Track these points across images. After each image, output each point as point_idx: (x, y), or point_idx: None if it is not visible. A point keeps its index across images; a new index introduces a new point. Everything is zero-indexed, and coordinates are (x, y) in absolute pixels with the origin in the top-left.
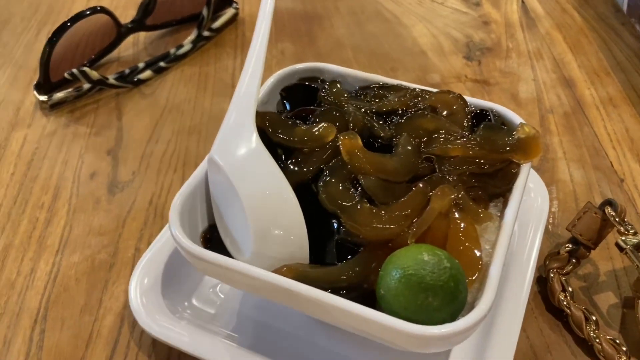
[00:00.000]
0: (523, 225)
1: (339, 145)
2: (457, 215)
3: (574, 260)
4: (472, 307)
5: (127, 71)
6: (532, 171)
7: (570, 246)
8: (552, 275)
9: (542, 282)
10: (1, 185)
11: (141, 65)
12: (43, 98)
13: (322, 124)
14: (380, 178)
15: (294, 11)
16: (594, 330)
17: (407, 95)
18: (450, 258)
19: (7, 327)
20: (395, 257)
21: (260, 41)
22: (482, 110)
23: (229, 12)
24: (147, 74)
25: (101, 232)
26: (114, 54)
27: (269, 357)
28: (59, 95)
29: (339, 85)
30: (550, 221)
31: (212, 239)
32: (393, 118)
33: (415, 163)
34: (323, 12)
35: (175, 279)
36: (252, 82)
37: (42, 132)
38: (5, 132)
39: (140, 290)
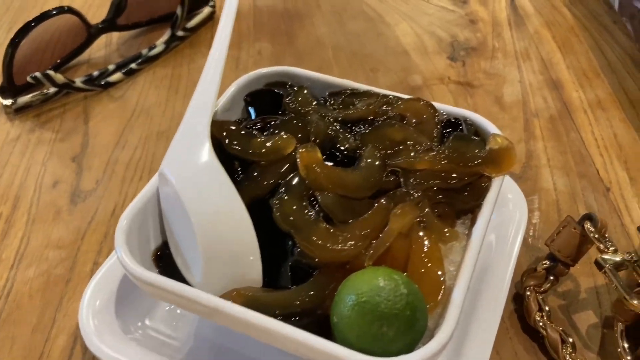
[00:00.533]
0: (500, 238)
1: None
2: (420, 234)
3: (551, 278)
4: (432, 335)
5: (96, 74)
6: (512, 181)
7: (548, 263)
8: (528, 293)
9: (518, 300)
10: None
11: (111, 67)
12: (7, 102)
13: (281, 135)
14: (340, 194)
15: (274, 9)
16: (570, 354)
17: (376, 103)
18: (408, 283)
19: None
20: (350, 281)
21: (220, 45)
22: (454, 118)
23: (205, 11)
24: (117, 76)
25: (59, 245)
26: (85, 55)
27: None
28: (24, 99)
29: (305, 92)
30: (531, 233)
31: (165, 257)
32: (360, 127)
33: (380, 177)
34: (304, 10)
35: (129, 297)
36: (209, 90)
37: (5, 138)
38: None
39: (92, 311)
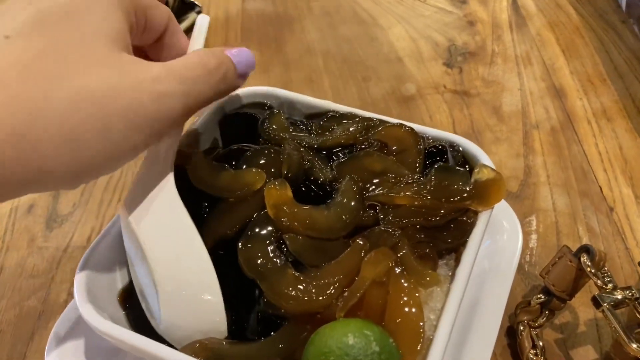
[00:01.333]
0: (494, 267)
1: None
2: (397, 279)
3: (547, 312)
4: None
5: None
6: (506, 205)
7: (543, 297)
8: (521, 328)
9: (512, 334)
10: None
11: None
12: None
13: (250, 169)
14: (311, 236)
15: (263, 13)
16: None
17: (356, 128)
18: (381, 339)
19: None
20: (318, 337)
21: None
22: (439, 145)
23: (190, 17)
24: None
25: (33, 274)
26: None
27: None
28: None
29: (281, 117)
30: (527, 259)
31: (133, 297)
32: (338, 155)
33: (356, 215)
34: (294, 14)
35: (98, 338)
36: None
37: None
38: None
39: (58, 353)
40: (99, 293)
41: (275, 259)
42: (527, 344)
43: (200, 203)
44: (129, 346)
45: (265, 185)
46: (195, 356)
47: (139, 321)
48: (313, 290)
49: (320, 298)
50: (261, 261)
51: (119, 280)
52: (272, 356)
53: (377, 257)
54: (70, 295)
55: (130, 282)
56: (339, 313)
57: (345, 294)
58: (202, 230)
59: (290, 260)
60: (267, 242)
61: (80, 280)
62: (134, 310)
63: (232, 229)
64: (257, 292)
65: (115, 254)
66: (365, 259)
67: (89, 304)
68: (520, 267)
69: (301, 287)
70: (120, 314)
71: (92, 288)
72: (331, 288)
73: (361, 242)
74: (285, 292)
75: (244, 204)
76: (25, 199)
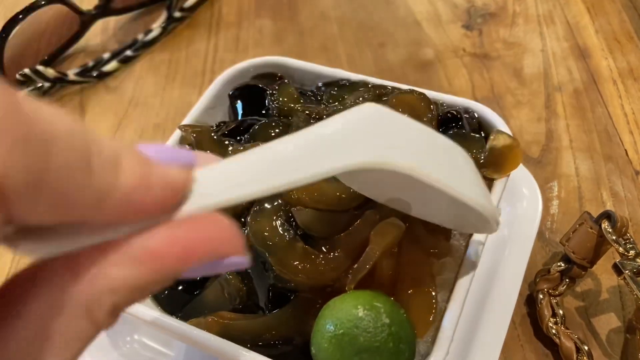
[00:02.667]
0: (513, 234)
1: None
2: (407, 249)
3: (567, 280)
4: None
5: (91, 64)
6: (526, 171)
7: (563, 265)
8: (541, 297)
9: (531, 303)
10: None
11: (106, 55)
12: None
13: (257, 143)
14: (320, 209)
15: None
16: None
17: (368, 96)
18: (392, 311)
19: None
20: (328, 310)
21: None
22: (453, 111)
23: None
24: (113, 65)
25: None
26: (81, 43)
27: None
28: None
29: (290, 88)
30: (548, 225)
31: None
32: None
33: None
34: None
35: None
36: None
37: None
38: None
39: None
40: None
41: (284, 233)
42: (546, 312)
43: None
44: (141, 320)
45: None
46: (208, 330)
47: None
48: (322, 263)
49: (330, 271)
50: (270, 235)
51: None
52: (281, 329)
53: (385, 228)
54: None
55: None
56: (348, 285)
57: (355, 266)
58: None
59: (299, 233)
60: (276, 215)
61: None
62: None
63: (242, 205)
64: (267, 266)
65: None
66: (373, 230)
67: None
68: (540, 234)
69: (310, 261)
70: None
71: None
72: (341, 261)
73: (370, 214)
74: (295, 265)
75: None
76: None
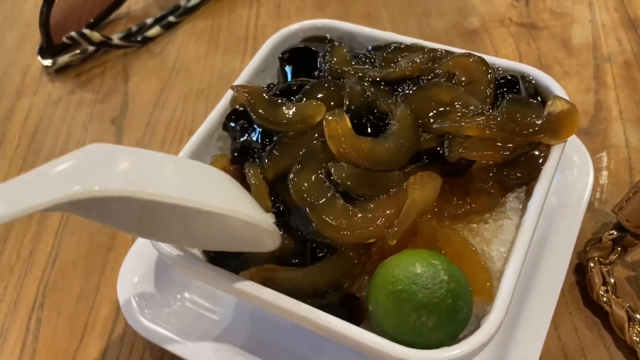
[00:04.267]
0: (563, 203)
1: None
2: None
3: (619, 249)
4: (479, 323)
5: (134, 29)
6: (576, 139)
7: (615, 233)
8: (592, 265)
9: (581, 271)
10: (5, 159)
11: (149, 21)
12: (47, 63)
13: (309, 101)
14: (363, 167)
15: None
16: (637, 333)
17: (422, 59)
18: (450, 268)
19: (4, 315)
20: (385, 267)
21: None
22: (510, 76)
23: None
24: (156, 30)
25: None
26: (124, 8)
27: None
28: (64, 59)
29: (343, 50)
30: (598, 196)
31: None
32: (403, 87)
33: (415, 143)
34: None
35: (168, 270)
36: None
37: (48, 100)
38: (11, 100)
39: (130, 285)
40: None
41: (324, 190)
42: (597, 280)
43: (263, 139)
44: (196, 273)
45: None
46: (251, 279)
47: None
48: (361, 222)
49: (370, 229)
50: (310, 191)
51: None
52: (318, 282)
53: (422, 180)
54: None
55: None
56: (391, 240)
57: (396, 221)
58: (265, 164)
59: (340, 191)
60: (317, 173)
61: None
62: None
63: (292, 162)
64: (308, 221)
65: None
66: (409, 182)
67: None
68: (590, 204)
69: (349, 218)
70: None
71: None
72: (380, 219)
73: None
74: (333, 222)
75: (304, 137)
76: (90, 140)
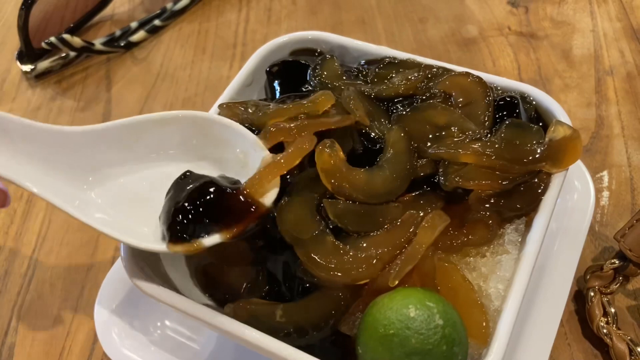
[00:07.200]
0: (562, 228)
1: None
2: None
3: (620, 278)
4: None
5: (118, 33)
6: (578, 161)
7: (617, 262)
8: (592, 294)
9: (580, 299)
10: None
11: (134, 25)
12: (27, 68)
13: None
14: (357, 201)
15: None
16: None
17: (417, 77)
18: (445, 311)
19: None
20: (376, 308)
21: None
22: (509, 97)
23: None
24: (141, 35)
25: (81, 228)
26: (108, 11)
27: None
28: (44, 64)
29: (334, 62)
30: (598, 218)
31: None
32: (397, 107)
33: (412, 168)
34: None
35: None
36: None
37: (27, 107)
38: None
39: (107, 313)
40: (144, 253)
41: (313, 225)
42: (597, 311)
43: None
44: (172, 307)
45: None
46: (235, 312)
47: (183, 280)
48: (352, 261)
49: (360, 270)
50: (300, 225)
51: None
52: (298, 320)
53: (435, 221)
54: (117, 251)
55: None
56: (392, 281)
57: (399, 260)
58: None
59: (330, 227)
60: (310, 204)
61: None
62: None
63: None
64: (294, 256)
65: None
66: (423, 222)
67: (135, 267)
68: (590, 227)
69: (339, 257)
70: (163, 270)
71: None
72: (373, 259)
73: (414, 215)
74: (322, 261)
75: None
76: None
